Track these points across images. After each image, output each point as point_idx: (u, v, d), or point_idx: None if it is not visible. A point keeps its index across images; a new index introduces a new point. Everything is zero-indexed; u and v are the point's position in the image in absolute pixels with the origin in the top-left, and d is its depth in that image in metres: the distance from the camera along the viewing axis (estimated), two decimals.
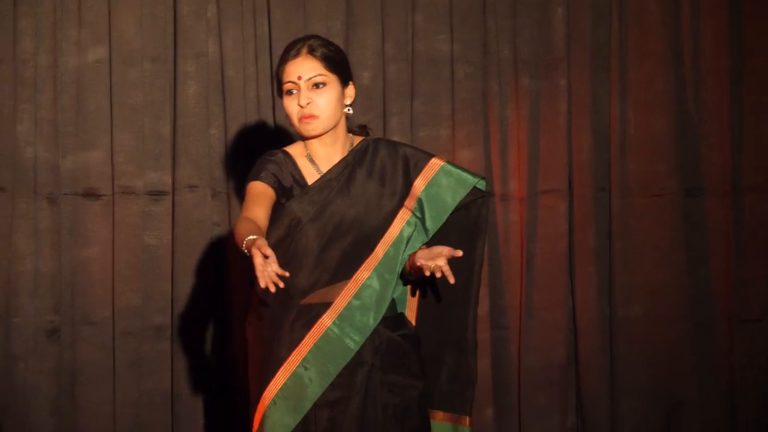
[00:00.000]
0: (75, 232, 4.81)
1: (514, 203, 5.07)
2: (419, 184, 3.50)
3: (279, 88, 3.48)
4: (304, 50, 3.43)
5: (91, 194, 4.82)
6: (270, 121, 4.90)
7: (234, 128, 4.87)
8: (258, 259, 3.05)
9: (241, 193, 4.79)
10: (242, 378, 4.62)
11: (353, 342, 3.40)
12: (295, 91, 3.42)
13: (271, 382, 3.38)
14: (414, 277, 3.49)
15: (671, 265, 5.16)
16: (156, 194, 4.85)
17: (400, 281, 3.52)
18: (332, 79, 3.44)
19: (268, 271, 3.05)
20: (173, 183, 4.86)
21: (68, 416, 4.79)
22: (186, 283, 4.84)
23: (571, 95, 5.12)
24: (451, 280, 3.30)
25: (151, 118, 4.85)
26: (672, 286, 5.16)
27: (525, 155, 5.09)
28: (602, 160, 5.15)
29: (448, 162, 3.54)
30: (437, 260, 3.31)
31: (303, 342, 3.38)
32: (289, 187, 3.45)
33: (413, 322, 3.62)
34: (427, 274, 3.32)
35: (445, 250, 3.33)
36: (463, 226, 3.57)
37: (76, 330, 4.80)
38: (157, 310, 4.83)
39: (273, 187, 3.42)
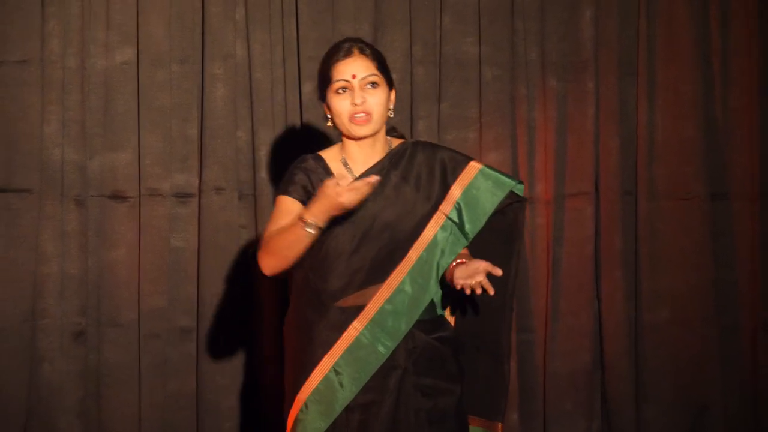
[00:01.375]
0: (102, 234, 4.80)
1: (541, 206, 5.06)
2: (457, 189, 3.46)
3: (325, 87, 3.41)
4: (356, 50, 3.39)
5: (118, 196, 4.81)
6: (297, 124, 4.88)
7: (261, 131, 4.85)
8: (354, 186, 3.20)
9: (268, 196, 4.78)
10: (273, 379, 4.63)
11: (385, 347, 3.38)
12: (347, 90, 3.38)
13: (304, 385, 3.37)
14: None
15: (697, 270, 5.15)
16: (183, 196, 4.84)
17: (438, 285, 3.47)
18: (383, 81, 3.41)
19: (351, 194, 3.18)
20: (200, 185, 4.85)
21: (94, 418, 4.79)
22: (212, 286, 4.83)
23: (598, 98, 5.10)
24: (491, 292, 3.25)
25: (179, 120, 4.83)
26: (698, 291, 5.15)
27: (552, 158, 5.07)
28: (629, 163, 5.14)
29: (486, 165, 3.51)
30: (476, 278, 3.26)
31: (335, 346, 3.37)
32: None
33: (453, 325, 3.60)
34: (468, 293, 3.27)
35: (482, 266, 3.28)
36: (500, 231, 3.54)
37: (102, 332, 4.80)
38: (182, 312, 4.83)
39: (302, 201, 3.38)
